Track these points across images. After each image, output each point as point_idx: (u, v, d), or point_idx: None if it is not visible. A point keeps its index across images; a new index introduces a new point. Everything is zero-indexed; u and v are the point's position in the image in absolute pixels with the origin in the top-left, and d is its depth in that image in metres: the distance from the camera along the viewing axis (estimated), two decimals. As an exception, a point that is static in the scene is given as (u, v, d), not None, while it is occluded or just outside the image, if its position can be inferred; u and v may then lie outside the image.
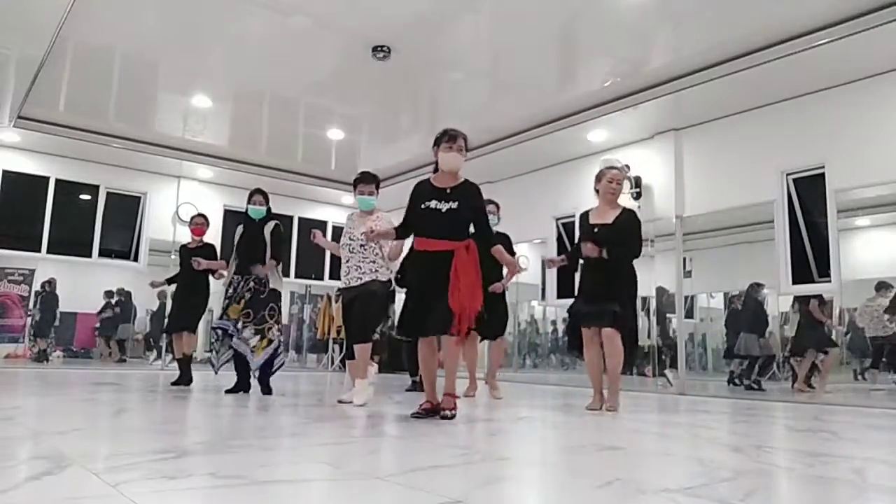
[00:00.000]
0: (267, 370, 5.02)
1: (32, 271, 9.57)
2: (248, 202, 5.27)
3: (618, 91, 6.52)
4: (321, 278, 10.57)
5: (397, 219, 4.58)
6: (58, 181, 8.68)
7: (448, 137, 3.60)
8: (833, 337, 7.16)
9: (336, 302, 9.82)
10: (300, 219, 10.29)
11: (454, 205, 3.50)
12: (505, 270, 5.16)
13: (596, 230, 4.32)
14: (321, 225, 10.65)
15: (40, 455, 2.08)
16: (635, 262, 4.37)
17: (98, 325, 10.46)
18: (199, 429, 3.05)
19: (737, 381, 7.66)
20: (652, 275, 7.20)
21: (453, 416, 3.43)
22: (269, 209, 5.29)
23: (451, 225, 3.49)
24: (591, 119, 6.97)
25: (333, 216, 10.63)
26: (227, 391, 5.01)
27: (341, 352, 9.98)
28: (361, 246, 4.49)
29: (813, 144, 5.96)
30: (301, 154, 9.08)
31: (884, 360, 7.31)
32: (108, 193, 9.02)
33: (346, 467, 2.11)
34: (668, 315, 7.99)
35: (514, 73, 6.31)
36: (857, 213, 7.07)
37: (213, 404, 4.25)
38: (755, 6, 4.97)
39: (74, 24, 5.31)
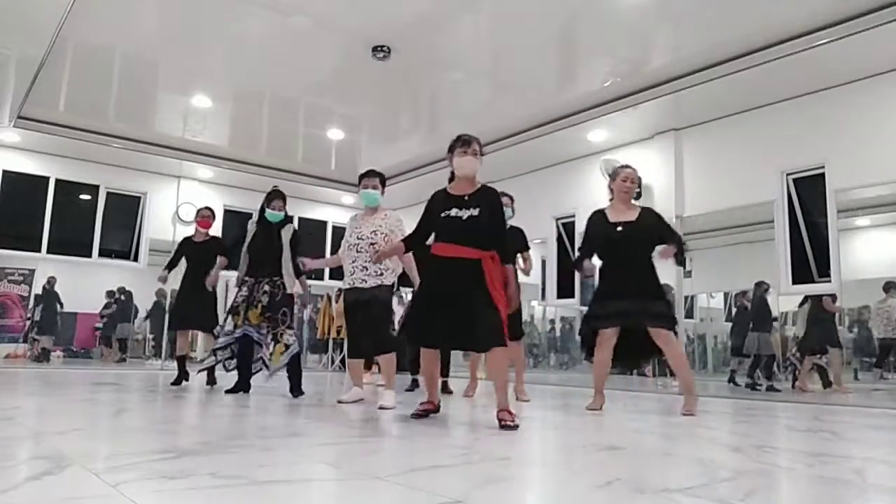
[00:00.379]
0: (296, 372, 4.88)
1: (32, 271, 9.58)
2: (267, 205, 5.02)
3: (618, 91, 6.52)
4: (321, 278, 10.58)
5: (402, 216, 4.56)
6: (58, 181, 8.69)
7: (462, 142, 3.50)
8: (837, 336, 7.14)
9: (336, 302, 9.82)
10: (300, 219, 10.28)
11: (475, 212, 3.38)
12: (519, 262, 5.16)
13: (620, 228, 4.26)
14: (321, 225, 10.66)
15: (40, 455, 2.08)
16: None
17: (101, 325, 10.46)
18: (199, 429, 3.05)
19: (738, 381, 7.64)
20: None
21: (517, 427, 3.11)
22: (286, 212, 5.12)
23: (473, 233, 3.36)
24: (591, 119, 6.98)
25: (333, 216, 10.63)
26: (227, 391, 4.99)
27: (341, 352, 9.97)
28: (371, 245, 4.33)
29: (813, 144, 5.97)
30: (301, 154, 9.08)
31: (891, 358, 7.31)
32: (108, 193, 9.03)
33: (346, 467, 2.11)
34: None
35: (514, 73, 6.31)
36: (857, 213, 7.08)
37: (213, 404, 4.25)
38: (755, 6, 4.97)
39: (74, 24, 5.32)
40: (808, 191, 6.04)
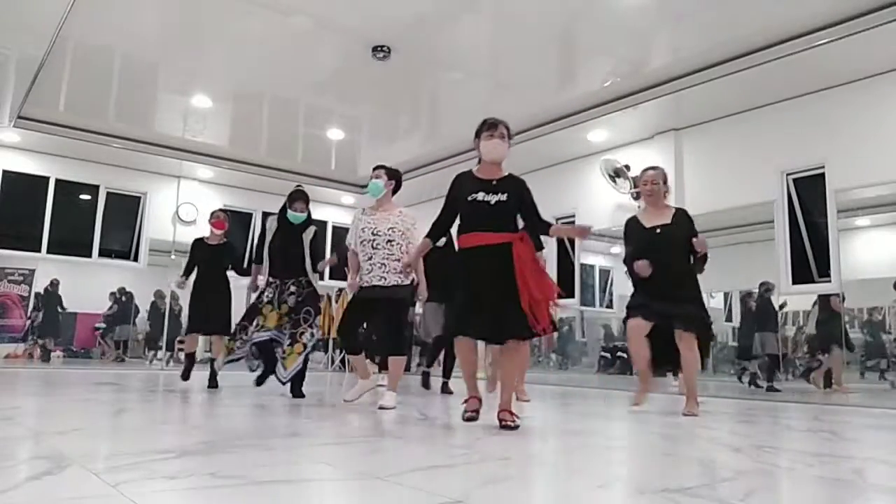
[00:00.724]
0: (300, 373, 4.79)
1: (32, 271, 9.58)
2: (289, 206, 4.90)
3: (618, 91, 6.52)
4: (322, 278, 10.57)
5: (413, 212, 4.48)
6: (58, 181, 8.69)
7: (488, 126, 3.39)
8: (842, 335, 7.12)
9: (337, 301, 9.81)
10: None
11: (503, 197, 3.25)
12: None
13: (658, 231, 4.24)
14: (321, 225, 10.64)
15: (40, 455, 2.08)
16: None
17: (103, 325, 10.46)
18: (199, 429, 3.05)
19: (760, 383, 7.58)
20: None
21: (517, 427, 3.08)
22: (309, 213, 5.01)
23: (500, 218, 3.24)
24: (591, 119, 6.98)
25: (333, 216, 10.63)
26: (258, 383, 4.90)
27: (341, 352, 9.97)
28: (389, 242, 4.22)
29: (813, 144, 5.97)
30: (301, 154, 9.08)
31: None
32: (108, 193, 9.03)
33: (346, 467, 2.11)
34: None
35: (514, 73, 6.31)
36: (857, 213, 7.07)
37: (213, 404, 4.25)
38: (755, 6, 4.97)
39: (74, 24, 5.31)
40: (808, 191, 6.04)
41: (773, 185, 6.19)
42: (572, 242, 8.07)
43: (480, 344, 3.89)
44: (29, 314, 9.64)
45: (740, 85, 5.94)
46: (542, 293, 3.12)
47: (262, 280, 4.98)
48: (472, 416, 3.30)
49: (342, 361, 9.87)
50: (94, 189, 8.95)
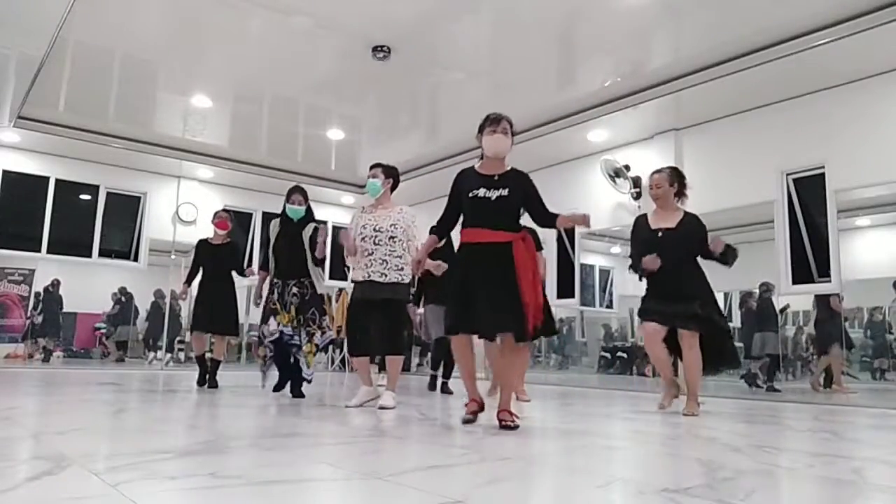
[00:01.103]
0: (299, 372, 4.84)
1: (32, 271, 9.58)
2: (287, 201, 4.94)
3: (618, 91, 6.52)
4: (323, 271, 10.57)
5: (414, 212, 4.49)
6: (58, 181, 8.69)
7: (490, 121, 3.39)
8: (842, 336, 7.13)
9: (337, 301, 9.81)
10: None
11: (504, 192, 3.23)
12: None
13: (660, 234, 4.28)
14: (321, 225, 10.64)
15: (40, 455, 2.08)
16: None
17: (104, 325, 10.46)
18: (199, 429, 3.05)
19: (759, 382, 7.60)
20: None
21: (517, 427, 3.08)
22: (308, 208, 5.01)
23: (502, 214, 3.21)
24: (591, 119, 6.97)
25: (333, 216, 10.62)
26: (275, 389, 4.96)
27: (341, 352, 9.96)
28: (391, 238, 4.23)
29: (813, 144, 5.97)
30: (301, 154, 9.08)
31: None
32: (108, 193, 9.03)
33: (346, 467, 2.11)
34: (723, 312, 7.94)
35: (514, 73, 6.31)
36: (857, 213, 7.06)
37: (213, 404, 4.25)
38: (755, 6, 4.97)
39: (74, 24, 5.31)
40: (808, 191, 6.03)
41: (773, 185, 6.19)
42: (572, 242, 8.06)
43: (479, 346, 3.88)
44: (29, 314, 9.65)
45: (740, 85, 5.94)
46: (535, 301, 3.09)
47: (265, 285, 5.04)
48: (469, 418, 3.29)
49: (342, 361, 9.87)
50: (94, 189, 8.94)
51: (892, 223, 7.48)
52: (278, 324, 4.74)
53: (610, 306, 9.45)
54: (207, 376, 5.65)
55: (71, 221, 8.79)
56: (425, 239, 3.53)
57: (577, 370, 10.44)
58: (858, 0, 4.83)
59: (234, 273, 5.84)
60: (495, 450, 2.53)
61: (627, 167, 7.45)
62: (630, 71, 6.14)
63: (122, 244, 9.15)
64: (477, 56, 6.01)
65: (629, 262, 4.47)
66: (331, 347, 10.55)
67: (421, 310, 6.40)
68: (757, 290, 7.58)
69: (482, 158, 3.45)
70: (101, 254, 8.91)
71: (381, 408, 4.00)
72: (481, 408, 3.33)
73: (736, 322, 8.39)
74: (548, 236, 8.29)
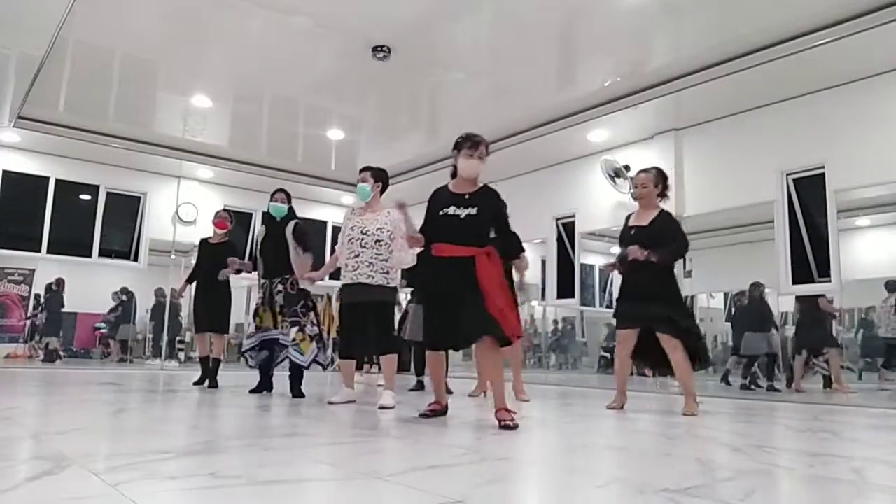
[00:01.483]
0: (298, 372, 4.91)
1: (32, 271, 9.58)
2: (270, 200, 5.13)
3: (618, 91, 6.52)
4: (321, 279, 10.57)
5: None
6: (58, 181, 8.68)
7: (471, 144, 3.50)
8: (835, 336, 7.14)
9: (337, 301, 9.80)
10: (300, 219, 10.29)
11: (473, 211, 3.39)
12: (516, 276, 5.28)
13: (633, 232, 4.38)
14: (321, 225, 10.65)
15: (40, 455, 2.08)
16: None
17: (104, 325, 10.46)
18: (199, 429, 3.05)
19: (731, 381, 7.66)
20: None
21: (516, 426, 3.13)
22: (290, 208, 5.17)
23: (470, 231, 3.37)
24: (591, 119, 6.97)
25: (333, 216, 10.63)
26: (251, 391, 5.02)
27: (334, 350, 9.96)
28: (377, 242, 4.30)
29: (813, 144, 5.96)
30: (301, 154, 9.08)
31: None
32: (108, 193, 9.02)
33: (346, 467, 2.11)
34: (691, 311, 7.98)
35: (515, 72, 6.31)
36: (857, 213, 7.07)
37: (213, 404, 4.25)
38: (755, 6, 4.97)
39: (74, 24, 5.31)
40: (808, 191, 6.03)
41: (773, 185, 6.19)
42: (572, 242, 8.07)
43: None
44: (29, 314, 9.65)
45: (740, 85, 5.94)
46: (508, 307, 3.25)
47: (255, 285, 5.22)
48: (426, 413, 3.53)
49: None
50: (94, 189, 8.94)
51: (892, 223, 7.48)
52: (257, 328, 4.97)
53: (610, 306, 9.43)
54: (207, 377, 5.70)
55: (71, 221, 8.79)
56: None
57: (578, 370, 10.45)
58: (858, 0, 4.82)
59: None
60: (495, 450, 2.53)
61: (627, 167, 7.45)
62: (630, 71, 6.14)
63: (123, 244, 9.14)
64: (477, 56, 6.01)
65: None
66: (330, 348, 10.56)
67: (403, 303, 6.45)
68: (751, 290, 7.61)
69: (454, 175, 3.63)
70: (102, 254, 8.91)
71: (381, 407, 4.01)
72: (444, 410, 3.59)
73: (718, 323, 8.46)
74: (548, 236, 8.31)
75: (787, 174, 6.15)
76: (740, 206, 6.53)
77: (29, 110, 7.30)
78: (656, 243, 4.22)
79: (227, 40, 5.83)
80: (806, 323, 7.06)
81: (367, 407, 4.20)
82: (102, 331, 10.61)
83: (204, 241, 6.07)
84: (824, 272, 5.82)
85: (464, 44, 5.76)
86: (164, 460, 2.05)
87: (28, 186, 8.48)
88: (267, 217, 5.20)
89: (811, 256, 5.96)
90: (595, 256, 8.96)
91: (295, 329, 4.83)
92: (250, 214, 9.91)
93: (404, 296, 6.54)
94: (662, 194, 4.45)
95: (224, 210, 6.23)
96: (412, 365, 6.75)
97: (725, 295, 8.81)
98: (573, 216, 8.03)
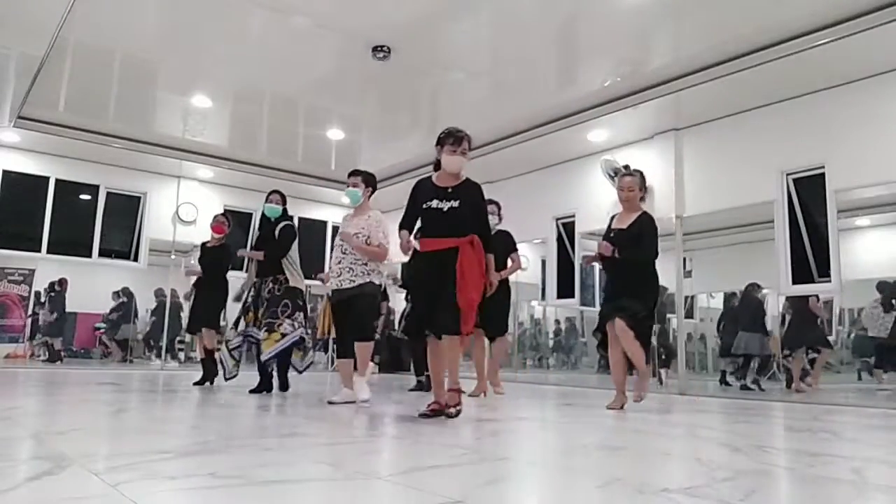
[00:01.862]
0: (283, 364, 5.08)
1: (32, 271, 9.58)
2: (266, 201, 5.28)
3: (618, 91, 6.51)
4: (326, 280, 10.57)
5: (394, 218, 4.56)
6: (58, 181, 8.68)
7: (453, 140, 3.58)
8: (829, 337, 7.16)
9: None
10: (300, 219, 10.29)
11: (455, 203, 3.51)
12: (509, 263, 5.50)
13: (612, 234, 4.48)
14: (321, 225, 10.66)
15: (40, 455, 2.08)
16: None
17: (106, 325, 10.46)
18: (199, 429, 3.05)
19: (730, 380, 7.68)
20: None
21: (458, 414, 3.44)
22: (285, 210, 5.32)
23: (453, 223, 3.48)
24: (591, 119, 6.97)
25: (333, 216, 10.63)
26: (251, 391, 5.04)
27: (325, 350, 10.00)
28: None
29: (813, 144, 5.96)
30: (301, 154, 9.08)
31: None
32: (108, 193, 9.02)
33: (346, 467, 2.11)
34: (667, 315, 8.00)
35: (515, 73, 6.30)
36: (857, 213, 7.07)
37: (213, 404, 4.26)
38: (755, 6, 4.96)
39: (74, 24, 5.31)
40: (808, 191, 6.03)
41: (773, 185, 6.18)
42: (572, 242, 8.07)
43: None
44: (32, 313, 9.65)
45: (740, 85, 5.94)
46: (475, 297, 3.39)
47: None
48: (426, 413, 3.49)
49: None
50: (94, 189, 8.94)
51: (892, 223, 7.49)
52: (247, 325, 5.05)
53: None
54: (208, 378, 5.77)
55: (71, 221, 8.78)
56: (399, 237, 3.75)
57: (578, 370, 10.45)
58: (858, 0, 4.82)
59: (229, 274, 6.14)
60: (495, 450, 2.53)
61: (627, 167, 7.44)
62: (630, 71, 6.14)
63: (122, 244, 9.14)
64: (477, 56, 6.01)
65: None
66: (331, 348, 10.57)
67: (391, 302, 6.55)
68: (748, 291, 7.63)
69: (437, 168, 3.71)
70: (102, 254, 8.91)
71: (363, 402, 4.20)
72: (444, 410, 3.53)
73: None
74: (548, 236, 8.31)
75: (787, 174, 6.15)
76: (740, 206, 6.53)
77: (29, 110, 7.30)
78: (634, 245, 4.36)
79: (227, 40, 5.83)
80: (796, 323, 7.08)
81: (366, 407, 4.20)
82: (102, 331, 10.61)
83: (203, 245, 6.34)
84: (824, 272, 5.82)
85: (464, 44, 5.76)
86: (164, 460, 2.05)
87: (28, 186, 8.47)
88: (262, 217, 5.34)
89: (811, 256, 5.96)
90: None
91: (265, 331, 4.94)
92: (250, 214, 9.91)
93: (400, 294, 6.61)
94: (643, 197, 4.60)
95: (222, 214, 6.38)
96: (412, 365, 6.76)
97: (725, 295, 8.81)
98: (573, 216, 8.02)
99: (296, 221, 5.95)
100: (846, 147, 5.74)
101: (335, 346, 4.90)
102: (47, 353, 9.42)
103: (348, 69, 6.29)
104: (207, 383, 5.74)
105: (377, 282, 4.50)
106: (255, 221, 9.85)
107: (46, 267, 9.38)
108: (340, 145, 8.61)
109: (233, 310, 6.13)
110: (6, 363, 8.93)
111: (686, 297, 7.45)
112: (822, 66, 5.58)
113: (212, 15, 5.34)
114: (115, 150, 8.44)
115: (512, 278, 5.92)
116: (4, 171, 8.34)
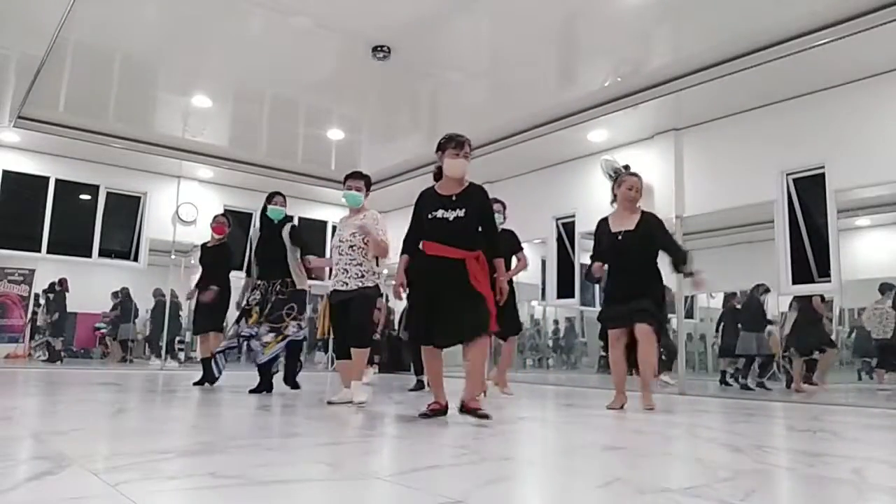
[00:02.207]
0: (292, 363, 5.16)
1: (32, 271, 9.58)
2: (268, 202, 5.26)
3: (618, 91, 6.51)
4: (322, 279, 10.58)
5: (393, 218, 4.58)
6: (58, 181, 8.68)
7: (455, 144, 3.52)
8: (833, 337, 7.16)
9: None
10: (300, 219, 10.29)
11: (461, 213, 3.45)
12: (513, 263, 5.49)
13: (620, 237, 4.39)
14: (321, 225, 10.66)
15: (40, 455, 2.08)
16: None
17: (106, 325, 10.46)
18: (199, 429, 3.05)
19: (730, 380, 7.68)
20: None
21: (487, 415, 3.34)
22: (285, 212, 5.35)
23: (459, 233, 3.43)
24: (591, 119, 6.97)
25: (333, 216, 10.63)
26: (251, 391, 5.04)
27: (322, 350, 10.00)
28: (351, 247, 4.44)
29: (813, 144, 5.96)
30: (301, 154, 9.08)
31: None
32: (108, 193, 9.03)
33: (346, 467, 2.11)
34: (667, 315, 8.00)
35: (515, 73, 6.30)
36: (857, 213, 7.07)
37: (212, 404, 4.25)
38: (755, 6, 4.96)
39: (74, 24, 5.31)
40: (808, 191, 6.03)
41: (773, 185, 6.18)
42: (572, 242, 8.07)
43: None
44: (32, 312, 9.65)
45: (740, 85, 5.94)
46: (492, 303, 3.40)
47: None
48: (427, 413, 3.47)
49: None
50: (94, 189, 8.94)
51: (892, 223, 7.49)
52: (249, 325, 5.02)
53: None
54: (208, 378, 5.73)
55: (71, 221, 8.79)
56: (398, 248, 3.71)
57: (578, 370, 10.44)
58: (858, 0, 4.82)
59: (231, 273, 6.16)
60: (495, 450, 2.53)
61: (627, 167, 7.44)
62: (630, 71, 6.14)
63: (122, 244, 9.15)
64: (477, 56, 6.01)
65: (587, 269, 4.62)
66: (331, 348, 10.56)
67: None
68: (751, 292, 7.63)
69: (437, 176, 3.66)
70: (101, 254, 8.91)
71: (359, 404, 4.18)
72: (444, 410, 3.51)
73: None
74: (548, 236, 8.31)
75: (787, 174, 6.15)
76: (740, 206, 6.52)
77: (29, 110, 7.30)
78: (647, 246, 4.33)
79: (227, 40, 5.83)
80: (801, 323, 7.07)
81: (366, 407, 4.20)
82: (102, 331, 10.61)
83: (203, 246, 6.36)
84: (824, 272, 5.82)
85: (464, 44, 5.76)
86: (164, 460, 2.05)
87: (28, 186, 8.48)
88: (264, 220, 5.29)
89: (811, 256, 5.96)
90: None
91: (272, 335, 4.93)
92: (250, 214, 9.90)
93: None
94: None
95: (222, 215, 6.39)
96: (412, 365, 6.77)
97: (725, 295, 8.81)
98: (573, 216, 8.02)
99: (296, 221, 5.96)
100: (846, 147, 5.74)
101: (334, 347, 4.88)
102: (47, 353, 9.42)
103: (348, 69, 6.29)
104: (207, 383, 5.73)
105: (371, 284, 4.48)
106: (256, 221, 9.86)
107: (46, 267, 9.38)
108: (340, 145, 8.61)
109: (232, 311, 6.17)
110: (6, 363, 8.93)
111: (686, 297, 7.44)
112: (822, 66, 5.58)
113: (212, 15, 5.34)
114: (115, 150, 8.44)
115: (513, 278, 5.92)
116: (4, 171, 8.34)
